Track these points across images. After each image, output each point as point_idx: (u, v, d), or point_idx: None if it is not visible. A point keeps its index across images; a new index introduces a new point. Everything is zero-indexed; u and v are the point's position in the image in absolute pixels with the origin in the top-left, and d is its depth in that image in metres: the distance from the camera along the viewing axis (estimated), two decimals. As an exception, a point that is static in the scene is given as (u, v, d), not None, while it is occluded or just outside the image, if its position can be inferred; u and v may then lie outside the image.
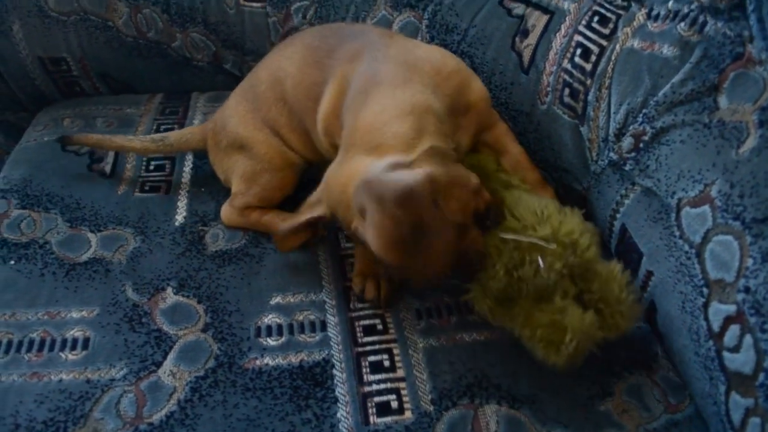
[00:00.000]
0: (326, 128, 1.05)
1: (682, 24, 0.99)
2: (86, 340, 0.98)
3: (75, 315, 1.01)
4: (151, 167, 1.30)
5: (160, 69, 1.48)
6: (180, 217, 1.18)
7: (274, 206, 1.17)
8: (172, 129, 1.39)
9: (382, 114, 0.94)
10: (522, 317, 0.92)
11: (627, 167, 1.01)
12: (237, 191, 1.16)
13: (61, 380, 0.93)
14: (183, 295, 1.04)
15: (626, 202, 1.02)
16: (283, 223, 1.04)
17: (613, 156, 1.03)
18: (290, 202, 1.15)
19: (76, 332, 0.99)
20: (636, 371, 0.96)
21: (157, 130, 1.39)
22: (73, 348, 0.97)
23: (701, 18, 0.96)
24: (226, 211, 1.17)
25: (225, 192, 1.22)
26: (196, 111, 1.45)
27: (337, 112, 1.01)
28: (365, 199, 0.86)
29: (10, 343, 0.97)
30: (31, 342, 0.97)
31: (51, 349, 0.97)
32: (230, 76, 1.50)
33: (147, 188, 1.25)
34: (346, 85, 1.02)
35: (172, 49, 1.44)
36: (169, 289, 1.05)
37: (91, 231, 1.15)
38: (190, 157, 1.32)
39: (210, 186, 1.24)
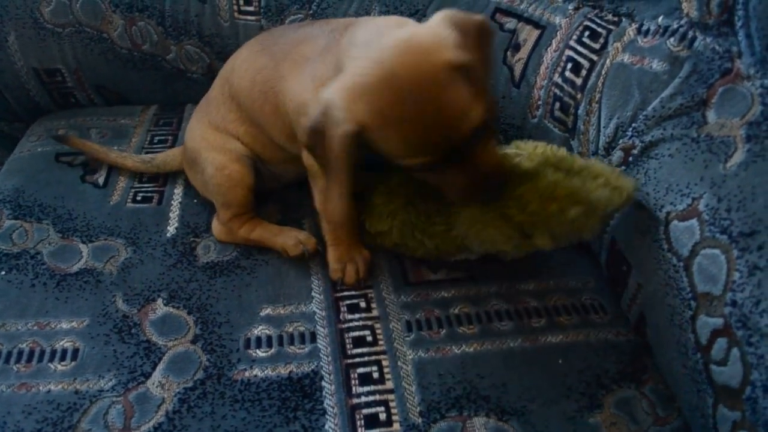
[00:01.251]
0: (300, 103, 1.00)
1: (672, 39, 1.00)
2: (75, 351, 0.98)
3: (65, 326, 1.01)
4: (144, 179, 1.30)
5: (155, 81, 1.49)
6: (172, 229, 1.18)
7: (251, 209, 1.17)
8: (166, 140, 1.40)
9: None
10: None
11: (616, 181, 1.01)
12: (216, 207, 1.18)
13: (49, 391, 0.93)
14: (173, 307, 1.04)
15: (616, 215, 1.02)
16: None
17: (603, 169, 1.04)
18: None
19: (65, 343, 0.99)
20: (625, 384, 0.96)
21: (151, 142, 1.39)
22: (62, 359, 0.97)
23: (690, 34, 0.98)
24: (216, 229, 1.17)
25: (217, 204, 1.22)
26: (190, 122, 1.45)
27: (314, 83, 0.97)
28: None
29: (-1, 353, 0.97)
30: (20, 353, 0.97)
31: (40, 359, 0.97)
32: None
33: (139, 199, 1.25)
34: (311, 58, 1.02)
35: (166, 61, 1.45)
36: (160, 300, 1.05)
37: (83, 242, 1.15)
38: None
39: (202, 197, 1.24)
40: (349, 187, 0.91)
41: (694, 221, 0.88)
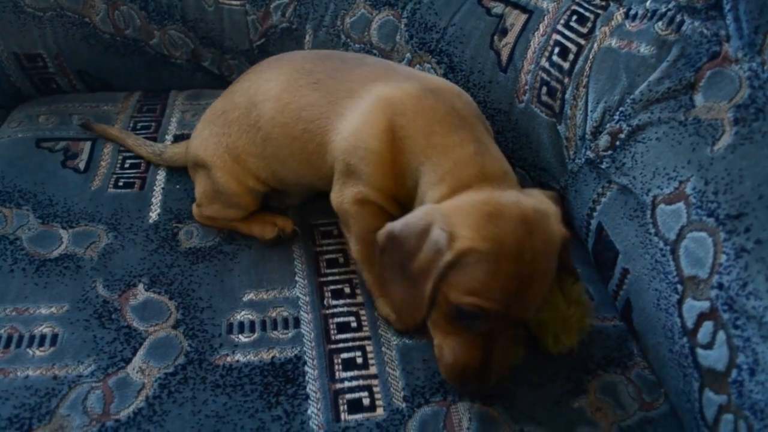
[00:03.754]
0: (353, 147, 0.98)
1: (660, 23, 0.99)
2: (54, 337, 0.96)
3: (44, 311, 0.99)
4: (126, 165, 1.28)
5: (138, 67, 1.47)
6: (154, 214, 1.17)
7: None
8: (149, 126, 1.38)
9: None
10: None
11: (603, 165, 1.00)
12: (200, 201, 1.16)
13: (27, 377, 0.91)
14: (154, 292, 1.03)
15: (603, 200, 1.01)
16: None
17: (590, 154, 1.03)
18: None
19: (44, 328, 0.97)
20: (611, 369, 0.95)
21: (134, 128, 1.37)
22: (41, 344, 0.95)
23: (678, 17, 0.97)
24: (196, 213, 1.16)
25: (201, 189, 1.21)
26: (174, 109, 1.43)
27: (388, 135, 0.95)
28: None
29: (-24, 339, 0.95)
30: (-2, 338, 0.96)
31: (18, 345, 0.95)
32: (208, 74, 1.49)
33: (121, 184, 1.23)
34: (388, 107, 0.97)
35: (149, 46, 1.43)
36: (141, 286, 1.04)
37: (63, 227, 1.13)
38: (166, 155, 1.30)
39: (185, 183, 1.23)
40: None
41: (681, 204, 0.87)
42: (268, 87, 1.07)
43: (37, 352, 0.94)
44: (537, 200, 0.89)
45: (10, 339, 0.96)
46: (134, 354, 0.94)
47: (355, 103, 0.99)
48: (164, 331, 0.97)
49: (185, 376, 0.91)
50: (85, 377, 0.91)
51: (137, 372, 0.92)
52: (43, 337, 0.96)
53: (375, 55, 1.29)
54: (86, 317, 0.99)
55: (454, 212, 0.85)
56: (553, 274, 0.88)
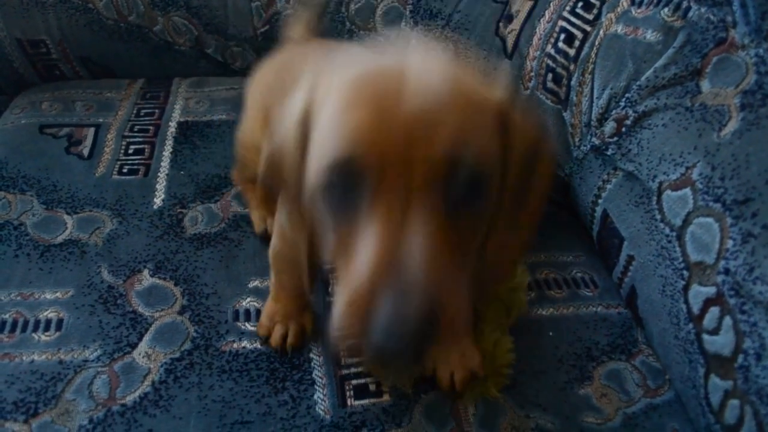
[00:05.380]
0: None
1: (666, 9, 0.98)
2: (60, 322, 0.96)
3: (49, 296, 0.99)
4: (130, 151, 1.28)
5: (142, 53, 1.46)
6: (158, 200, 1.17)
7: None
8: (153, 113, 1.38)
9: None
10: None
11: (609, 152, 1.00)
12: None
13: (32, 361, 0.91)
14: (159, 278, 1.03)
15: (608, 187, 1.01)
16: None
17: (596, 141, 1.03)
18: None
19: (49, 313, 0.97)
20: (615, 356, 0.95)
21: (138, 115, 1.37)
22: (47, 329, 0.95)
23: (684, 3, 0.96)
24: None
25: (204, 175, 1.21)
26: (178, 96, 1.43)
27: None
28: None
29: (-19, 324, 0.95)
30: (3, 323, 0.95)
31: (23, 330, 0.95)
32: (212, 61, 1.48)
33: (125, 171, 1.23)
34: None
35: (153, 33, 1.43)
36: (146, 272, 1.03)
37: (68, 213, 1.13)
38: (170, 142, 1.30)
39: (189, 169, 1.23)
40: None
41: (687, 190, 0.87)
42: None
43: (43, 337, 0.94)
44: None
45: (15, 324, 0.95)
46: (140, 339, 0.94)
47: None
48: (170, 317, 0.97)
49: (191, 362, 0.91)
50: (90, 362, 0.91)
51: (143, 357, 0.92)
52: (48, 321, 0.96)
53: (380, 42, 1.29)
54: (91, 302, 0.99)
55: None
56: (482, 142, 0.59)
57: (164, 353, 0.92)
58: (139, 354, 0.92)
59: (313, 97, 0.63)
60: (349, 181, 0.56)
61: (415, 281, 0.52)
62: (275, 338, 0.94)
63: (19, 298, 0.99)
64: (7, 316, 0.96)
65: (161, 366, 0.91)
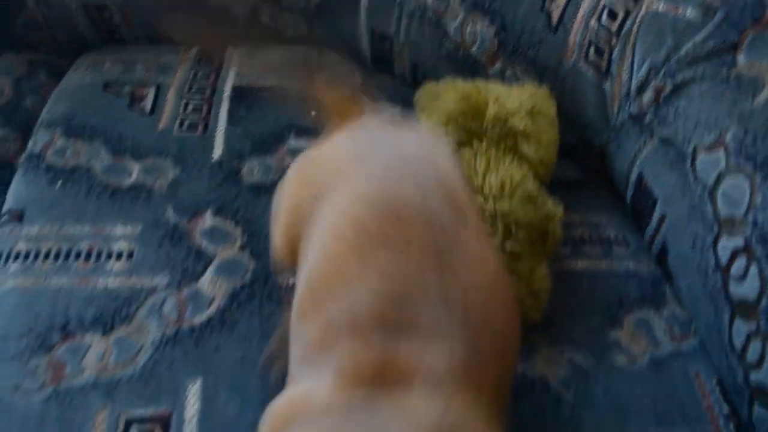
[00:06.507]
0: None
1: (706, -11, 1.05)
2: (131, 253, 1.04)
3: (119, 231, 1.07)
4: (189, 109, 1.35)
5: (198, 21, 1.54)
6: (217, 154, 1.24)
7: None
8: (208, 76, 1.45)
9: None
10: None
11: (646, 120, 1.07)
12: None
13: (107, 286, 0.99)
14: (221, 219, 1.10)
15: (644, 152, 1.08)
16: None
17: (634, 109, 1.10)
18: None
19: (120, 245, 1.05)
20: (645, 306, 1.02)
21: (194, 78, 1.44)
22: (119, 258, 1.03)
23: (723, -16, 1.03)
24: None
25: (259, 133, 1.28)
26: (231, 62, 1.50)
27: None
28: None
29: (59, 252, 1.03)
30: (79, 252, 1.03)
31: (98, 258, 1.03)
32: (265, 29, 1.56)
33: (185, 127, 1.30)
34: None
35: (211, 1, 1.50)
36: (208, 213, 1.11)
37: (133, 160, 1.21)
38: (225, 102, 1.38)
39: (245, 127, 1.30)
40: None
41: (720, 152, 0.94)
42: None
43: (116, 265, 1.02)
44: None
45: (90, 253, 1.03)
46: (205, 270, 1.02)
47: None
48: (231, 253, 1.05)
49: (252, 291, 0.99)
50: (160, 288, 0.99)
51: (208, 285, 1.00)
52: (120, 252, 1.04)
53: (429, 16, 1.35)
54: (159, 237, 1.06)
55: None
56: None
57: (227, 283, 1.00)
58: (204, 283, 1.00)
59: None
60: None
61: None
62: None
63: (92, 231, 1.07)
64: (82, 245, 1.04)
65: (225, 294, 0.98)
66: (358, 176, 0.75)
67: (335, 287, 0.67)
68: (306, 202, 0.80)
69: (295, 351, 0.71)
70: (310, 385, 0.62)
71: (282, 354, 0.81)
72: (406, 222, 0.67)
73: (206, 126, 1.31)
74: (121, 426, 0.84)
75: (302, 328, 0.70)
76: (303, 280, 0.74)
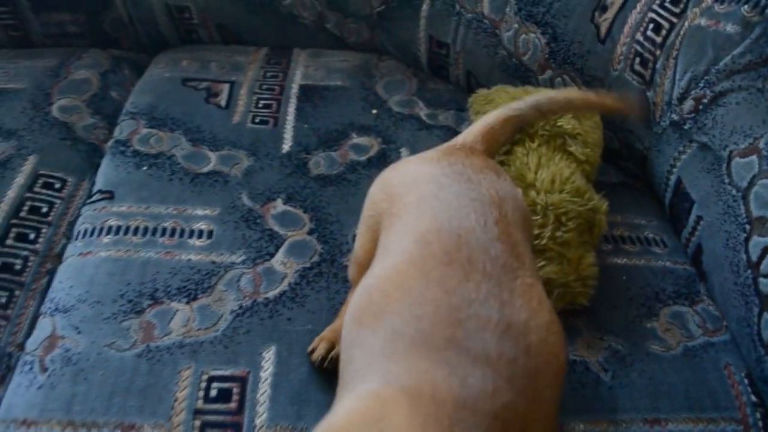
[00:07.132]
0: None
1: (746, 6, 1.13)
2: (210, 232, 1.15)
3: (200, 212, 1.19)
4: (260, 105, 1.47)
5: (269, 24, 1.66)
6: (286, 146, 1.35)
7: None
8: (277, 75, 1.57)
9: None
10: None
11: (686, 126, 1.15)
12: None
13: (190, 260, 1.10)
14: (291, 206, 1.21)
15: (683, 157, 1.16)
16: None
17: (675, 117, 1.18)
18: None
19: (201, 225, 1.16)
20: (680, 301, 1.10)
21: (264, 76, 1.56)
22: (200, 236, 1.14)
23: (763, 1, 1.11)
24: None
25: (325, 129, 1.39)
26: (298, 63, 1.62)
27: None
28: None
29: (146, 228, 1.15)
30: (164, 229, 1.15)
31: (181, 235, 1.14)
32: (330, 35, 1.67)
33: (257, 121, 1.42)
34: None
35: (283, 6, 1.62)
36: (279, 200, 1.22)
37: (211, 149, 1.33)
38: (293, 100, 1.49)
39: (311, 123, 1.41)
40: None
41: (753, 157, 1.02)
42: None
43: (197, 243, 1.13)
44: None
45: (174, 231, 1.15)
46: (277, 250, 1.13)
47: None
48: (300, 236, 1.16)
49: (320, 271, 1.10)
50: (237, 264, 1.10)
51: (280, 264, 1.10)
52: (201, 231, 1.15)
53: (485, 25, 1.45)
54: (235, 220, 1.18)
55: None
56: None
57: (297, 263, 1.11)
58: (277, 261, 1.11)
59: None
60: None
61: None
62: (315, 355, 0.96)
63: (175, 211, 1.19)
64: (167, 224, 1.16)
65: (295, 272, 1.09)
66: (431, 200, 0.82)
67: (396, 300, 0.71)
68: (382, 212, 0.88)
69: (348, 352, 0.75)
70: (381, 406, 0.61)
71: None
72: (469, 248, 0.73)
73: (276, 121, 1.43)
74: (204, 382, 0.95)
75: (357, 332, 0.73)
76: (364, 286, 0.79)
